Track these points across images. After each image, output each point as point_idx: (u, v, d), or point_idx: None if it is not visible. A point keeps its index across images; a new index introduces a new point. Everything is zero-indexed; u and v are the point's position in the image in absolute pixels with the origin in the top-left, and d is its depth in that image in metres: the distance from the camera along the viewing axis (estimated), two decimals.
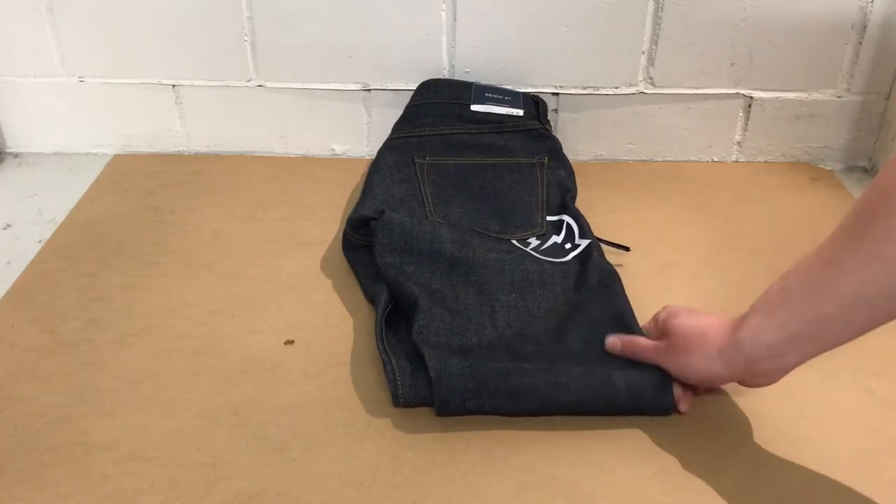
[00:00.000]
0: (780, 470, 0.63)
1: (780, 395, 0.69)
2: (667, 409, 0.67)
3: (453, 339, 0.70)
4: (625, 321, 0.73)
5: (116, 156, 1.09)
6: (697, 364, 0.62)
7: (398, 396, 0.67)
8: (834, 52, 1.02)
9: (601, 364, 0.68)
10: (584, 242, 0.84)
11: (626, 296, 0.76)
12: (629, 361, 0.68)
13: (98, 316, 0.79)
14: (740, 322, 0.60)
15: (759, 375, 0.60)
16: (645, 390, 0.67)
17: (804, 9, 0.99)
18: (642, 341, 0.68)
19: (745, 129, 1.08)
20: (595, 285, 0.77)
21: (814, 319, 0.54)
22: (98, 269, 0.85)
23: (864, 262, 0.51)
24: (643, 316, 0.74)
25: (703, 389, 0.68)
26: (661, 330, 0.67)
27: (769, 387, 0.69)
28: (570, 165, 0.98)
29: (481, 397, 0.66)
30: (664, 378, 0.67)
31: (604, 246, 0.86)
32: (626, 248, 0.87)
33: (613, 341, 0.69)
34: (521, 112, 1.00)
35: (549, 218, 0.89)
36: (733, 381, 0.63)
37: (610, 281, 0.78)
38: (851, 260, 0.52)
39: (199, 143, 1.10)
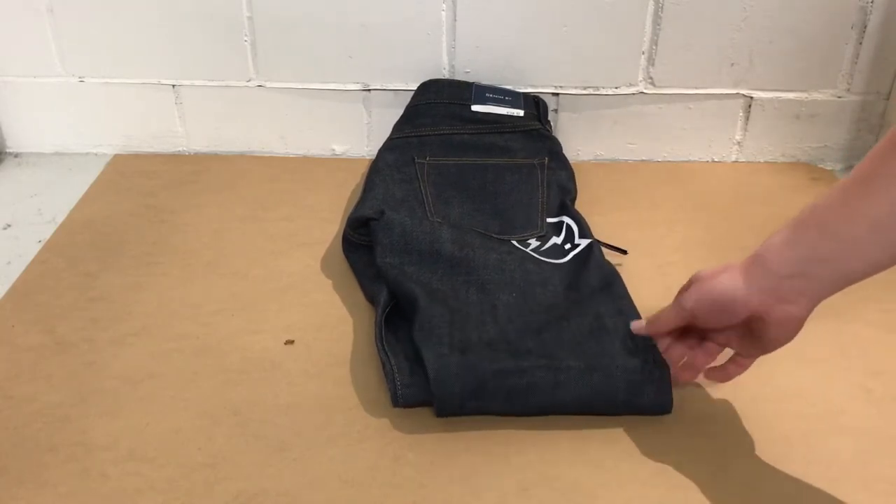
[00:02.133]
0: (779, 470, 0.63)
1: (780, 396, 0.70)
2: (666, 407, 0.67)
3: (455, 333, 0.70)
4: (629, 321, 0.72)
5: (116, 156, 1.09)
6: (720, 285, 0.59)
7: (397, 397, 0.67)
8: (834, 52, 1.02)
9: (602, 360, 0.68)
10: (584, 242, 0.84)
11: (629, 297, 0.76)
12: (630, 359, 0.68)
13: (98, 316, 0.79)
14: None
15: (786, 299, 0.56)
16: (645, 389, 0.66)
17: (804, 9, 0.99)
18: (663, 312, 0.65)
19: (745, 129, 1.08)
20: (597, 284, 0.77)
21: (844, 239, 0.53)
22: (98, 269, 0.85)
23: (893, 181, 0.50)
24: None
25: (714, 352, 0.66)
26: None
27: (768, 386, 0.70)
28: (571, 166, 0.98)
29: (480, 398, 0.65)
30: (664, 378, 0.67)
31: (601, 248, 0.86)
32: (624, 251, 0.87)
33: (638, 324, 0.69)
34: (521, 112, 1.00)
35: (549, 220, 0.89)
36: (758, 308, 0.58)
37: (612, 280, 0.78)
38: (881, 181, 0.51)
39: (199, 143, 1.10)
